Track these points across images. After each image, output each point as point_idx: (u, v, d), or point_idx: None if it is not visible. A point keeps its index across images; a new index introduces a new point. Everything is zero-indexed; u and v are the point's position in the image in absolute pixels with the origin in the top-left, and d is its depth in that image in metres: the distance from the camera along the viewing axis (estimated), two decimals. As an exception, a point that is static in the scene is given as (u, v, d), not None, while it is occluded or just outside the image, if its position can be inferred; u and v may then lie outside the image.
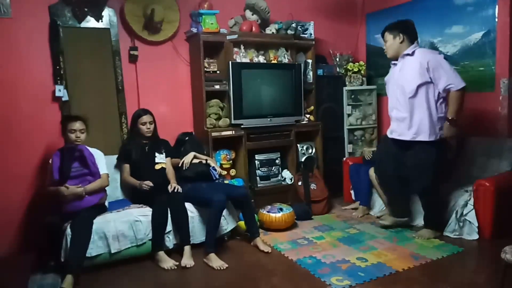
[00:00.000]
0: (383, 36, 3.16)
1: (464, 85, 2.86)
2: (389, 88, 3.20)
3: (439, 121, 2.96)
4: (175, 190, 3.02)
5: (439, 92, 2.93)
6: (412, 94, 2.95)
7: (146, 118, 3.16)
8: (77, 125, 2.83)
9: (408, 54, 3.02)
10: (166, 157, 3.26)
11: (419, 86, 2.93)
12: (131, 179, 3.11)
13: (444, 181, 3.27)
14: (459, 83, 2.86)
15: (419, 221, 3.37)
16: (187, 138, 3.50)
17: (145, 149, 3.19)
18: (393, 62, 3.19)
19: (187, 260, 2.79)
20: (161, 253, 2.82)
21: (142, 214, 2.87)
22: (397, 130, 3.11)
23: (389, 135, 3.21)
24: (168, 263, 2.77)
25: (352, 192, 4.10)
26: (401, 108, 3.05)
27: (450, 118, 2.90)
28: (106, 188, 2.99)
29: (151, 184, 3.00)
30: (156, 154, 3.21)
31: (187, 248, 2.86)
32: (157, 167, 3.18)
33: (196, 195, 3.06)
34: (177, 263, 2.78)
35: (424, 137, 2.98)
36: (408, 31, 3.04)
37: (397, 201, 3.35)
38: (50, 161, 2.82)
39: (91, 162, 2.85)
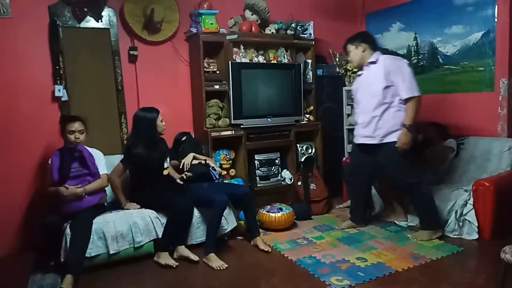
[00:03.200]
0: (345, 49, 3.28)
1: (417, 95, 2.95)
2: (357, 96, 3.25)
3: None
4: (186, 177, 3.04)
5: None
6: (379, 97, 3.02)
7: (160, 115, 3.03)
8: (76, 125, 2.82)
9: (372, 62, 3.11)
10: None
11: (384, 89, 3.01)
12: (120, 191, 2.97)
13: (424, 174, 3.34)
14: (412, 92, 2.95)
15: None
16: (184, 138, 3.49)
17: (159, 154, 3.03)
18: (358, 72, 3.30)
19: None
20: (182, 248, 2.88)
21: (141, 216, 2.87)
22: (365, 134, 3.16)
23: (357, 142, 3.28)
24: (170, 260, 2.78)
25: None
26: (368, 113, 3.10)
27: (405, 124, 2.97)
28: (106, 188, 2.99)
29: (138, 207, 2.94)
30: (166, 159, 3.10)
31: (181, 248, 2.87)
32: (165, 172, 3.06)
33: (198, 195, 3.04)
34: (177, 264, 2.79)
35: (390, 138, 3.05)
36: (369, 40, 3.16)
37: (360, 209, 3.45)
38: (49, 161, 2.82)
39: (91, 163, 2.85)
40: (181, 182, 2.97)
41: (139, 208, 2.93)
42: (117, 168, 2.99)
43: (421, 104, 3.01)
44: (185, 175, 3.01)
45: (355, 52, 3.17)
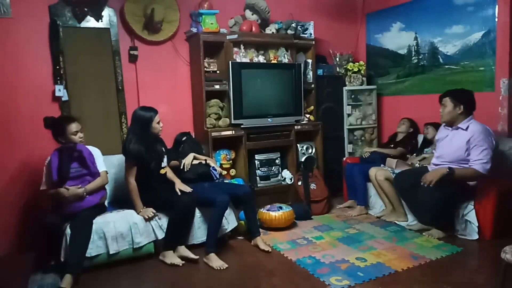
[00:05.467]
0: (441, 99, 3.20)
1: (482, 172, 2.94)
2: (439, 147, 3.28)
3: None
4: (186, 191, 2.97)
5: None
6: (458, 159, 3.07)
7: (158, 117, 2.98)
8: (78, 125, 2.82)
9: (462, 129, 3.10)
10: (167, 159, 3.16)
11: (464, 152, 3.05)
12: (138, 196, 2.89)
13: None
14: (482, 169, 2.94)
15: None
16: (185, 138, 3.48)
17: (156, 153, 3.00)
18: (445, 127, 3.26)
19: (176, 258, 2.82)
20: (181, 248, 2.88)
21: (141, 217, 2.86)
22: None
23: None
24: (175, 259, 2.80)
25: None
26: (443, 163, 3.15)
27: (451, 170, 2.97)
28: (106, 189, 2.99)
29: (154, 212, 2.89)
30: (163, 158, 3.08)
31: (182, 248, 2.87)
32: (162, 171, 3.05)
33: (199, 195, 3.02)
34: (183, 262, 2.79)
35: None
36: (469, 104, 3.12)
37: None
38: (46, 162, 2.80)
39: (91, 162, 2.82)
40: (180, 193, 2.95)
41: (155, 214, 2.88)
42: (128, 169, 2.88)
43: (477, 176, 3.01)
44: (186, 189, 2.99)
45: (451, 110, 3.13)
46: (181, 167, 3.18)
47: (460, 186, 3.06)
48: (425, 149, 3.88)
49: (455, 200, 3.10)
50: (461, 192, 3.07)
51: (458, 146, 3.08)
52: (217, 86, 3.72)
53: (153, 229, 2.87)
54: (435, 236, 3.14)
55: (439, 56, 4.07)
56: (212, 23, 3.61)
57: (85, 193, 2.73)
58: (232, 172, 3.87)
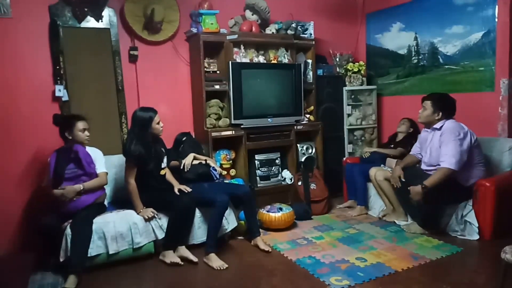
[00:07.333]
0: (423, 100, 3.25)
1: (451, 168, 2.96)
2: (422, 150, 3.35)
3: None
4: (185, 191, 2.98)
5: None
6: (437, 163, 3.11)
7: (158, 117, 2.98)
8: (86, 124, 2.86)
9: (437, 129, 3.17)
10: (167, 160, 3.17)
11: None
12: (137, 196, 2.89)
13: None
14: (449, 164, 2.97)
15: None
16: (185, 138, 3.48)
17: (156, 153, 3.01)
18: (425, 129, 3.33)
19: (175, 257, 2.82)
20: (182, 248, 2.87)
21: (141, 217, 2.86)
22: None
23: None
24: (176, 258, 2.80)
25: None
26: (431, 167, 3.21)
27: (425, 184, 3.00)
28: (107, 189, 2.98)
29: (154, 212, 2.89)
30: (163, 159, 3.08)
31: (182, 248, 2.87)
32: (162, 172, 3.06)
33: (199, 195, 3.02)
34: (182, 263, 2.79)
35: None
36: (449, 112, 3.17)
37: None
38: (48, 160, 2.82)
39: (86, 163, 2.80)
40: (178, 193, 2.96)
41: (156, 215, 2.88)
42: (128, 169, 2.89)
43: (449, 174, 3.00)
44: (185, 189, 3.01)
45: (429, 114, 3.19)
46: (181, 167, 3.18)
47: (444, 187, 3.05)
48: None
49: (440, 200, 3.12)
50: (448, 192, 3.08)
51: (436, 147, 3.14)
52: (217, 86, 3.72)
53: (153, 229, 2.87)
54: (412, 230, 3.24)
55: (439, 56, 4.07)
56: (212, 23, 3.62)
57: (82, 188, 2.72)
58: (232, 172, 3.87)
